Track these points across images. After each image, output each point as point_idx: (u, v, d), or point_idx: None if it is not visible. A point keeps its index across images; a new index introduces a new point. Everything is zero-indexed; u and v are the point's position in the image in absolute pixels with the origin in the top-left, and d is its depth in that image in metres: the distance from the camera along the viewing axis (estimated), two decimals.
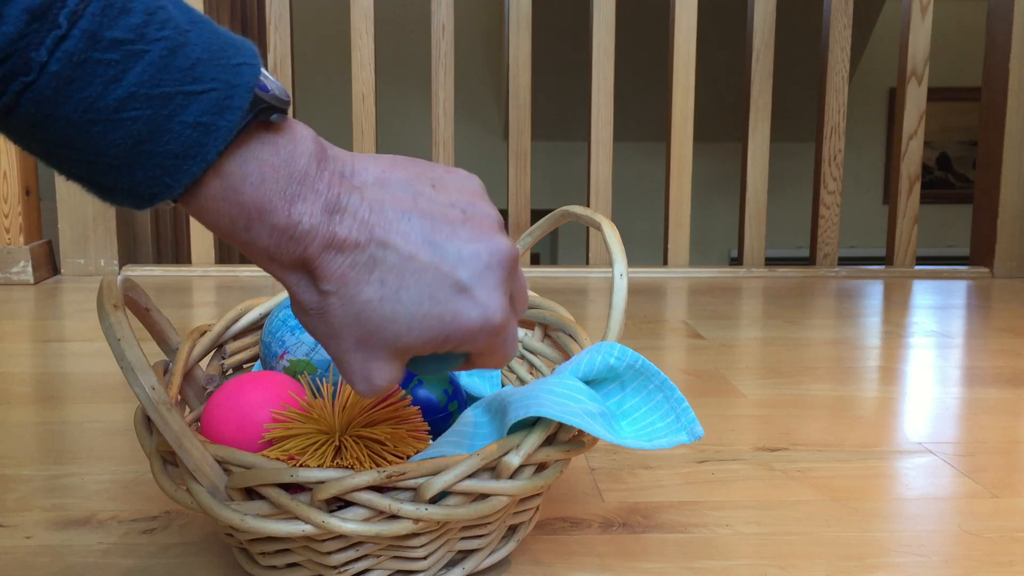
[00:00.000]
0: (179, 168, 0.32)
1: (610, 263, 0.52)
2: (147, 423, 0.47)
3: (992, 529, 0.58)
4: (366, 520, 0.42)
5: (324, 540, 0.44)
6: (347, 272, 0.35)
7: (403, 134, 4.50)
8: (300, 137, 0.36)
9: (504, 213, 1.90)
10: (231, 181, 0.34)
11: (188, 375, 0.56)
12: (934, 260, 4.13)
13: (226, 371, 0.62)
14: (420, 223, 0.37)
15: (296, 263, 0.36)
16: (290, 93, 1.80)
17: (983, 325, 1.31)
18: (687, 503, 0.62)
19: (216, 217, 0.34)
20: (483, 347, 0.39)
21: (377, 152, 1.82)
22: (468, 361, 0.42)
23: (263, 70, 0.35)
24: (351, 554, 0.45)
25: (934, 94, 1.96)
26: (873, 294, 1.59)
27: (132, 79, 0.30)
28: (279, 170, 0.34)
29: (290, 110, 0.37)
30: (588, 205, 1.83)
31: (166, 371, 0.54)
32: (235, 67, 0.33)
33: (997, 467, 0.69)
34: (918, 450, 0.73)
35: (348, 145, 1.94)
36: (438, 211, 0.37)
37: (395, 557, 0.46)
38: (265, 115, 0.34)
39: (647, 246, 4.47)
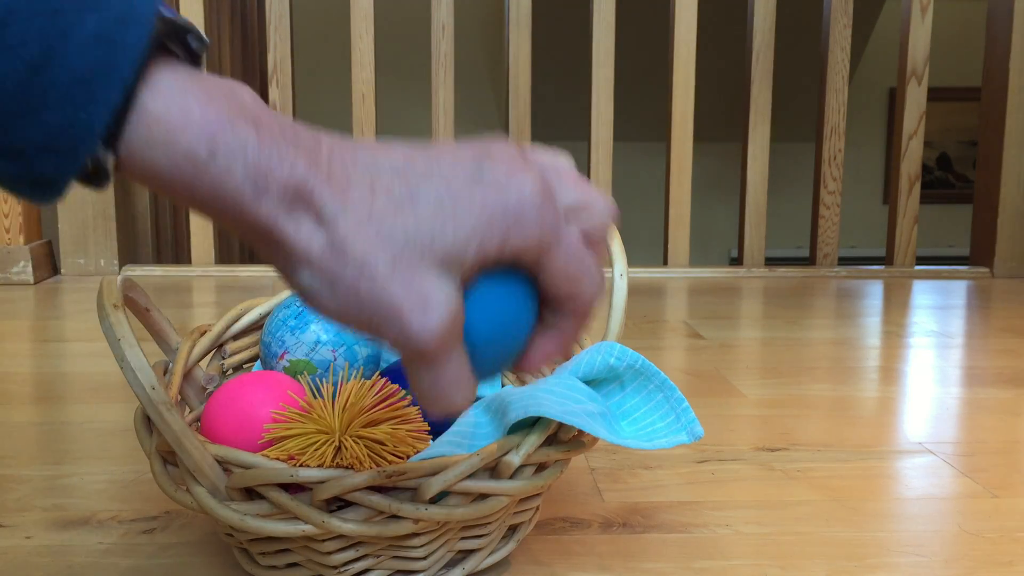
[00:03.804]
0: (92, 96, 0.26)
1: (610, 263, 0.52)
2: (147, 423, 0.47)
3: (992, 529, 0.58)
4: (366, 520, 0.42)
5: (324, 540, 0.44)
6: (347, 190, 0.29)
7: (403, 134, 4.50)
8: (236, 82, 0.30)
9: None
10: (171, 96, 0.27)
11: (188, 375, 0.56)
12: (934, 260, 4.13)
13: (226, 371, 0.62)
14: (404, 148, 0.31)
15: (288, 191, 0.28)
16: (290, 93, 1.80)
17: (983, 325, 1.31)
18: (687, 503, 0.62)
19: (169, 154, 0.27)
20: (541, 237, 0.30)
21: None
22: (546, 285, 0.32)
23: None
24: (351, 554, 0.45)
25: (934, 94, 1.95)
26: (873, 294, 1.59)
27: None
28: (224, 94, 0.28)
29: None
30: None
31: (166, 371, 0.54)
32: None
33: (997, 467, 0.69)
34: (918, 450, 0.73)
35: None
36: (424, 150, 0.31)
37: (395, 557, 0.46)
38: (181, 38, 0.29)
39: (647, 246, 4.47)
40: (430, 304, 0.29)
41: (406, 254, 0.29)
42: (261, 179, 0.28)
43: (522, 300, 0.31)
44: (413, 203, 0.29)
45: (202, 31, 0.30)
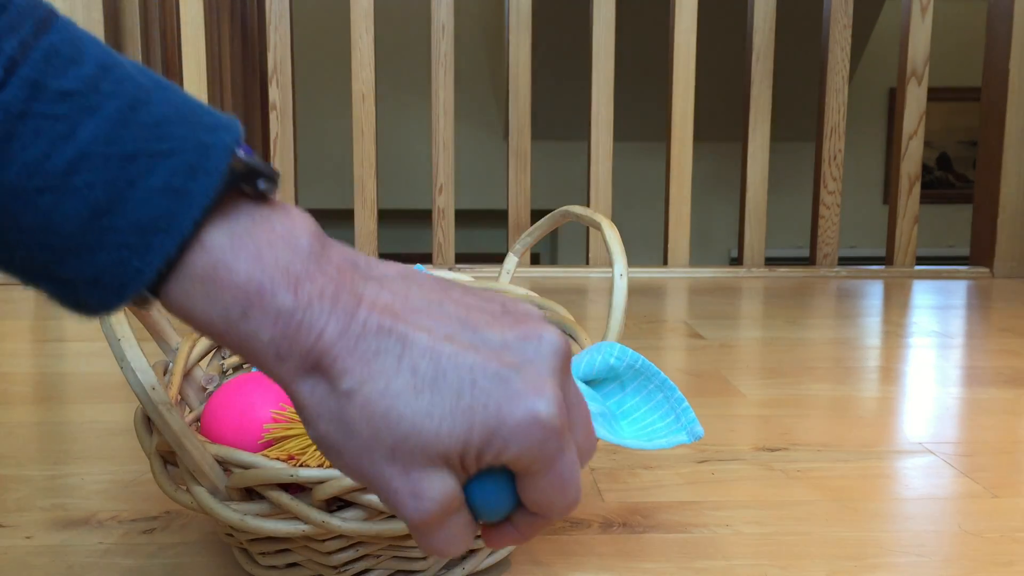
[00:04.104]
0: (148, 245, 0.26)
1: (610, 263, 0.52)
2: (147, 423, 0.47)
3: (992, 529, 0.58)
4: (366, 520, 0.42)
5: (324, 540, 0.44)
6: (371, 360, 0.28)
7: (403, 134, 4.50)
8: (298, 214, 0.30)
9: (504, 213, 1.89)
10: (220, 255, 0.27)
11: (188, 375, 0.56)
12: (934, 260, 4.13)
13: (226, 371, 0.62)
14: (455, 309, 0.30)
15: (308, 360, 0.28)
16: (290, 93, 1.80)
17: (983, 325, 1.31)
18: (687, 503, 0.62)
19: (206, 306, 0.28)
20: (534, 458, 0.30)
21: (377, 153, 1.82)
22: (523, 492, 0.32)
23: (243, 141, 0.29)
24: (351, 554, 0.45)
25: (934, 94, 1.95)
26: (873, 294, 1.59)
27: (85, 136, 0.25)
28: (277, 246, 0.28)
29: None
30: (588, 205, 1.83)
31: (166, 371, 0.54)
32: (209, 127, 0.28)
33: (997, 467, 0.69)
34: (918, 450, 0.73)
35: (348, 145, 1.94)
36: (473, 303, 0.31)
37: (395, 557, 0.46)
38: (250, 183, 0.28)
39: (647, 246, 4.47)
40: (422, 495, 0.29)
41: (408, 445, 0.29)
42: (284, 348, 0.28)
43: (505, 490, 0.32)
44: (433, 389, 0.29)
45: (273, 167, 0.30)
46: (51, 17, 0.26)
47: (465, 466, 0.30)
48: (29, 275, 0.28)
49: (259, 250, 0.28)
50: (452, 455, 0.29)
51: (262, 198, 0.29)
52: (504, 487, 0.31)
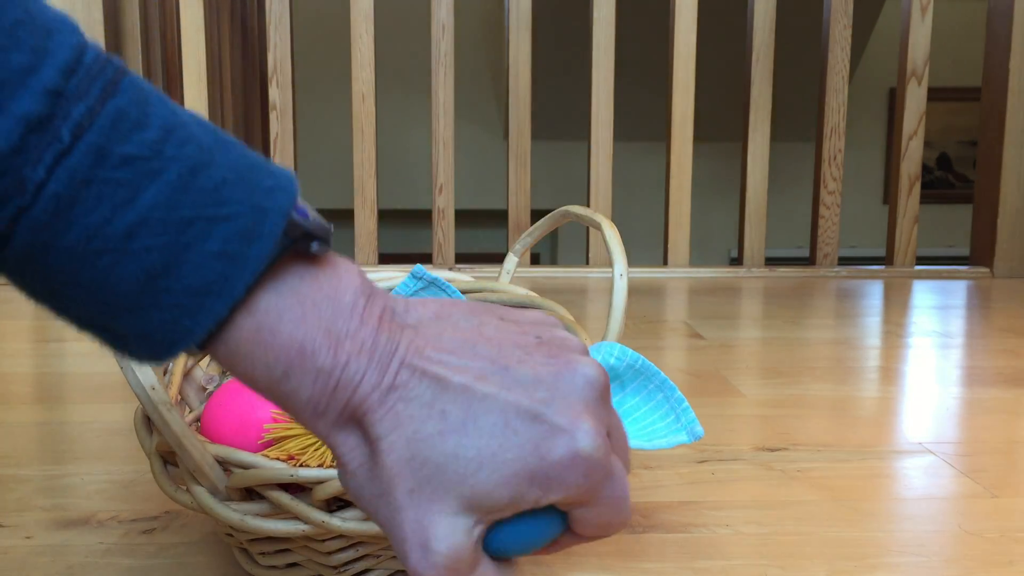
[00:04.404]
0: (200, 307, 0.27)
1: (610, 263, 0.52)
2: (147, 423, 0.47)
3: (992, 529, 0.58)
4: (366, 520, 0.42)
5: (324, 540, 0.44)
6: (401, 410, 0.29)
7: (403, 134, 4.50)
8: (344, 270, 0.30)
9: (504, 213, 1.89)
10: (266, 319, 0.28)
11: (188, 375, 0.56)
12: (934, 260, 4.12)
13: (226, 371, 0.62)
14: (487, 349, 0.30)
15: (344, 414, 0.29)
16: (290, 93, 1.80)
17: (983, 325, 1.31)
18: (687, 503, 0.62)
19: (249, 364, 0.29)
20: (582, 493, 0.30)
21: (377, 153, 1.82)
22: (570, 528, 0.32)
23: (300, 199, 0.30)
24: (351, 554, 0.45)
25: (934, 94, 1.95)
26: (873, 294, 1.59)
27: (146, 201, 0.26)
28: (322, 306, 0.29)
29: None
30: (588, 205, 1.83)
31: (166, 371, 0.54)
32: (266, 190, 0.28)
33: (997, 467, 0.69)
34: (918, 450, 0.73)
35: (348, 145, 1.94)
36: (507, 338, 0.31)
37: (395, 557, 0.46)
38: (304, 244, 0.29)
39: (647, 246, 4.47)
40: (431, 546, 0.29)
41: (429, 487, 0.29)
42: (322, 404, 0.29)
43: (548, 526, 0.31)
44: (462, 432, 0.29)
45: (329, 228, 0.30)
46: (119, 77, 0.26)
47: (496, 512, 0.29)
48: (83, 325, 0.28)
49: (304, 312, 0.29)
50: (479, 501, 0.29)
51: (312, 258, 0.30)
52: (544, 523, 0.31)
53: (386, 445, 0.29)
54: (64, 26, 0.26)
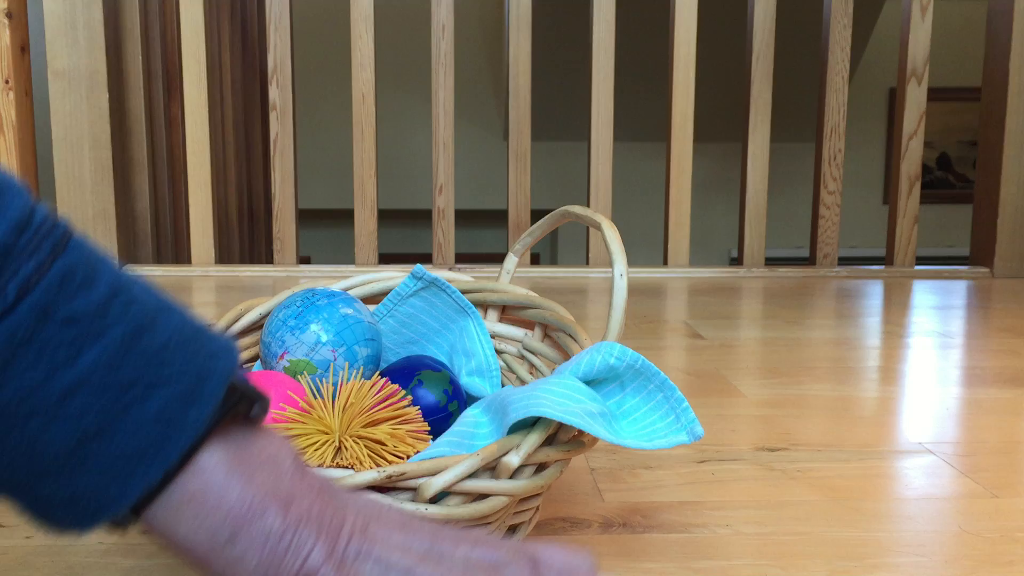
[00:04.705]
0: (131, 473, 0.26)
1: (610, 263, 0.52)
2: None
3: (992, 529, 0.58)
4: None
5: None
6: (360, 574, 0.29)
7: (403, 134, 4.50)
8: (278, 437, 0.30)
9: (504, 213, 1.90)
10: (212, 479, 0.27)
11: None
12: (934, 260, 4.12)
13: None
14: (424, 530, 0.31)
15: None
16: (290, 93, 1.80)
17: (983, 325, 1.31)
18: (687, 503, 0.62)
19: (191, 529, 0.27)
20: None
21: (377, 153, 1.82)
22: None
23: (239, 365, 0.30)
24: None
25: (934, 94, 1.96)
26: (873, 294, 1.59)
27: (87, 362, 0.25)
28: (266, 468, 0.29)
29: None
30: (588, 205, 1.83)
31: None
32: (208, 354, 0.28)
33: (997, 467, 0.69)
34: (918, 450, 0.73)
35: (348, 145, 1.94)
36: (445, 530, 0.32)
37: None
38: (243, 408, 0.29)
39: (647, 246, 4.47)
40: None
41: None
42: (272, 571, 0.28)
43: None
44: None
45: (267, 396, 0.30)
46: (68, 237, 0.26)
47: None
48: (5, 490, 0.27)
49: (251, 472, 0.28)
50: None
51: (251, 421, 0.30)
52: None
53: None
54: (14, 186, 0.26)
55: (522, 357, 0.66)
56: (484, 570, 0.30)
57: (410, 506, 0.42)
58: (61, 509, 0.27)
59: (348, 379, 0.55)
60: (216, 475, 0.27)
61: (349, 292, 0.65)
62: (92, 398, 0.25)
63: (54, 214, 0.26)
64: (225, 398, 0.28)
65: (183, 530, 0.27)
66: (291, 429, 0.47)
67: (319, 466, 0.45)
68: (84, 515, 0.27)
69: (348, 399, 0.48)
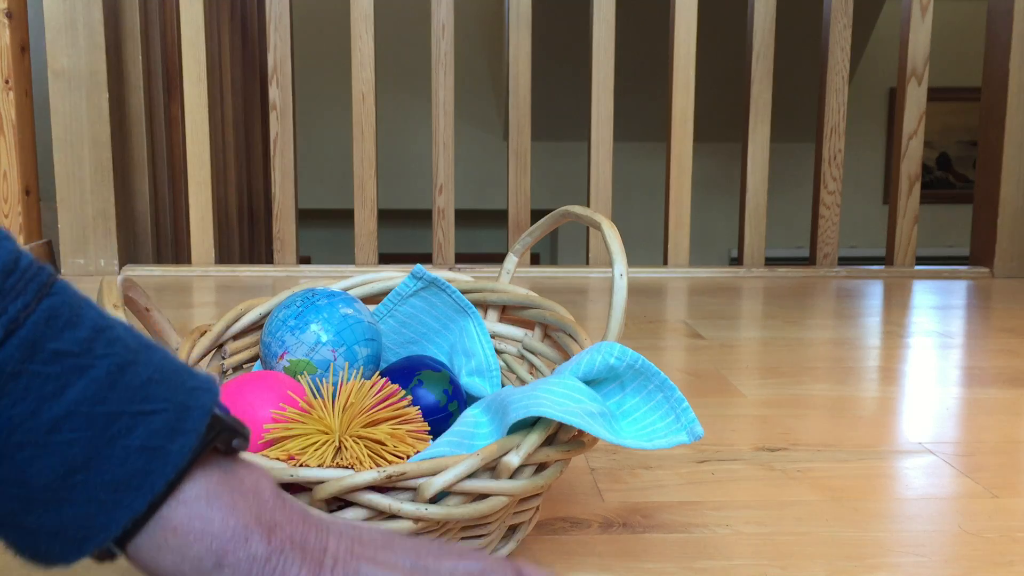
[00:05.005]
0: (118, 503, 0.27)
1: (610, 263, 0.52)
2: None
3: (992, 529, 0.58)
4: (366, 520, 0.42)
5: None
6: None
7: (403, 134, 4.50)
8: (259, 467, 0.32)
9: (504, 213, 1.90)
10: (196, 507, 0.28)
11: None
12: (934, 260, 4.12)
13: (226, 371, 0.62)
14: (406, 546, 0.32)
15: None
16: (290, 93, 1.80)
17: (983, 325, 1.31)
18: (687, 503, 0.62)
19: (177, 558, 0.28)
20: None
21: (377, 153, 1.82)
22: None
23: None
24: None
25: (934, 94, 1.95)
26: (873, 294, 1.59)
27: (73, 395, 0.26)
28: (248, 496, 0.29)
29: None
30: (588, 205, 1.83)
31: None
32: (190, 389, 0.29)
33: (997, 467, 0.69)
34: (918, 450, 0.73)
35: (348, 145, 1.94)
36: (427, 545, 0.33)
37: None
38: (225, 440, 0.30)
39: (647, 246, 4.47)
40: None
41: None
42: None
43: None
44: None
45: (247, 429, 0.31)
46: (52, 280, 0.28)
47: None
48: None
49: (234, 501, 0.29)
50: None
51: (232, 452, 0.31)
52: None
53: None
54: (0, 233, 0.27)
55: (522, 357, 0.66)
56: None
57: (410, 506, 0.42)
58: (48, 540, 0.27)
59: (348, 379, 0.55)
60: (199, 504, 0.28)
61: (349, 292, 0.65)
62: (79, 430, 0.26)
63: (39, 261, 0.28)
64: (207, 430, 0.29)
65: (167, 560, 0.28)
66: (291, 429, 0.47)
67: (319, 466, 0.45)
68: (71, 546, 0.27)
69: (348, 399, 0.48)
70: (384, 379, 0.52)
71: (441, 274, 0.65)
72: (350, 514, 0.42)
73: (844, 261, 1.90)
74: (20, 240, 1.57)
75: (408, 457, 0.48)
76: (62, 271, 1.66)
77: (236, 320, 0.62)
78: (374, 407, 0.48)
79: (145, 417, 0.27)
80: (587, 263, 1.85)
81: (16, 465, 0.26)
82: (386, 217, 4.27)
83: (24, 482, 0.26)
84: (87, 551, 0.27)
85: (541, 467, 0.46)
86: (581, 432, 0.47)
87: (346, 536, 0.31)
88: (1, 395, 0.25)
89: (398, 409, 0.49)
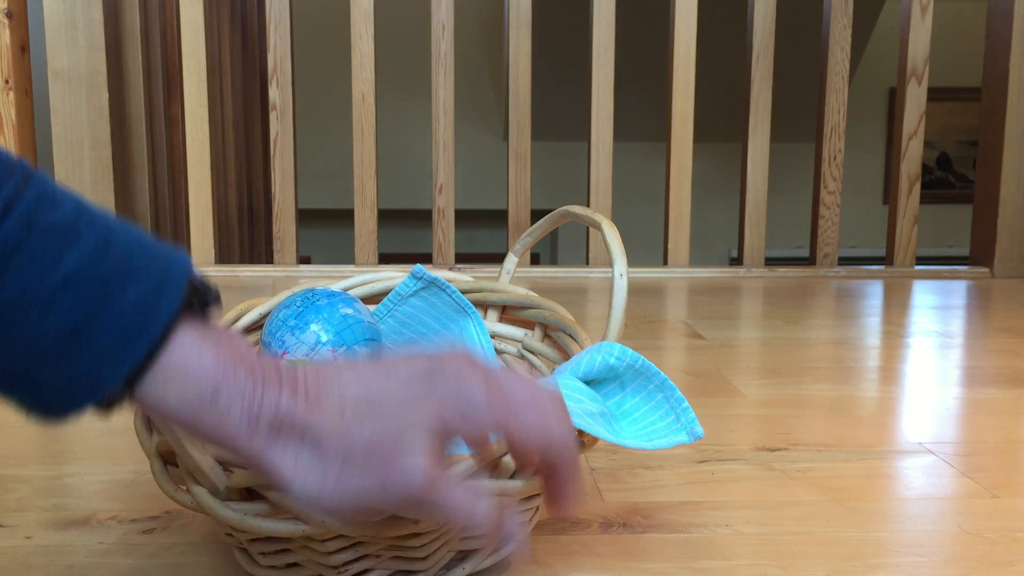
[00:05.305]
0: (121, 353, 0.31)
1: (610, 263, 0.52)
2: (147, 423, 0.47)
3: (992, 529, 0.58)
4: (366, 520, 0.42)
5: (324, 540, 0.44)
6: (320, 407, 0.34)
7: (403, 134, 4.50)
8: (234, 331, 0.36)
9: (504, 213, 1.90)
10: (189, 350, 0.32)
11: None
12: (934, 260, 4.12)
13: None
14: (366, 363, 0.37)
15: (275, 423, 0.34)
16: (290, 93, 1.80)
17: (983, 325, 1.31)
18: (687, 503, 0.62)
19: (180, 393, 0.32)
20: (500, 416, 0.37)
21: (377, 153, 1.82)
22: (515, 455, 0.40)
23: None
24: (351, 554, 0.45)
25: (934, 94, 1.96)
26: (873, 294, 1.59)
27: (69, 263, 0.30)
28: (232, 341, 0.34)
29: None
30: (588, 205, 1.83)
31: None
32: (167, 255, 0.33)
33: (997, 467, 0.69)
34: (918, 450, 0.73)
35: (348, 145, 1.94)
36: (382, 362, 0.37)
37: (395, 557, 0.46)
38: (202, 298, 0.34)
39: (647, 246, 4.47)
40: (405, 471, 0.34)
41: (377, 445, 0.34)
42: (254, 417, 0.33)
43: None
44: (374, 410, 0.35)
45: (218, 289, 0.36)
46: (32, 170, 0.31)
47: (436, 441, 0.36)
48: (6, 381, 0.31)
49: (219, 342, 0.33)
50: (415, 439, 0.35)
51: (206, 314, 0.35)
52: None
53: (327, 431, 0.34)
54: None
55: (522, 357, 0.66)
56: (425, 374, 0.36)
57: None
58: (61, 392, 0.31)
59: None
60: (191, 348, 0.33)
61: (349, 292, 0.65)
62: (79, 292, 0.30)
63: (14, 155, 0.31)
64: (187, 289, 0.33)
65: (172, 397, 0.32)
66: None
67: None
68: (83, 394, 0.31)
69: None
70: None
71: (441, 274, 0.65)
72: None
73: (844, 261, 1.90)
74: None
75: None
76: None
77: (236, 320, 0.62)
78: None
79: (133, 280, 0.31)
80: (587, 263, 1.85)
81: (27, 328, 0.29)
82: (386, 217, 4.27)
83: (36, 342, 0.30)
84: (99, 396, 0.31)
85: None
86: (581, 432, 0.47)
87: (312, 367, 0.36)
88: (7, 266, 0.29)
89: None
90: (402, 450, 0.34)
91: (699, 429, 0.49)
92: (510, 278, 0.67)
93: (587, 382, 0.49)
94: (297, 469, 0.34)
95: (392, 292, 0.65)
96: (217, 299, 0.35)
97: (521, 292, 0.65)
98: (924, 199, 4.32)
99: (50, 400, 0.31)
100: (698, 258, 4.70)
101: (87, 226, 0.31)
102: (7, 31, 1.59)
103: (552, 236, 4.88)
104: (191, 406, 0.32)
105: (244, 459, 0.34)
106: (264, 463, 0.34)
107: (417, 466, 0.34)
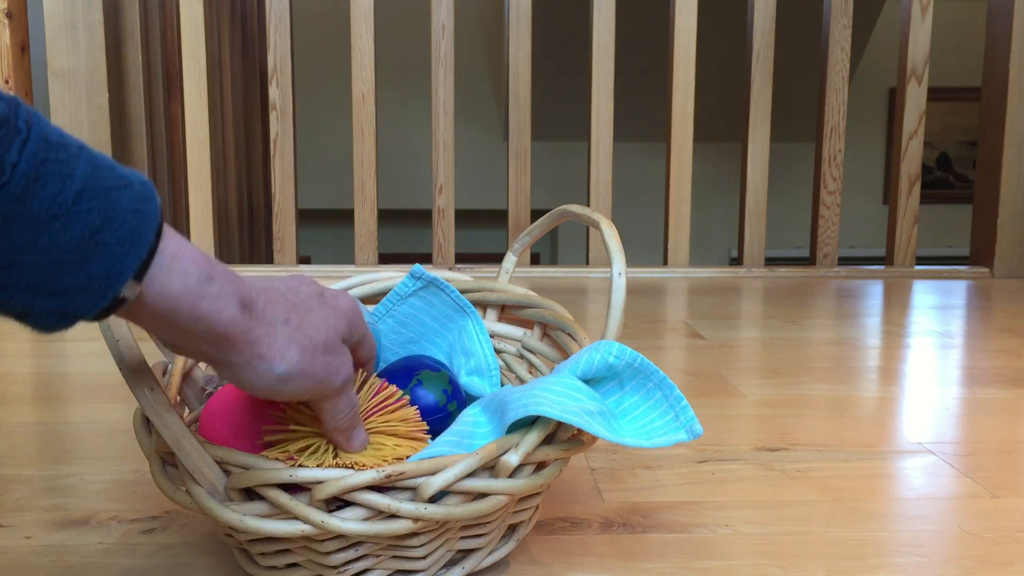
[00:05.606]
0: (128, 252, 0.35)
1: (609, 263, 0.52)
2: (146, 424, 0.47)
3: (992, 529, 0.58)
4: (365, 520, 0.42)
5: (323, 540, 0.44)
6: (273, 301, 0.41)
7: (403, 134, 4.50)
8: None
9: (504, 213, 1.89)
10: (178, 245, 0.37)
11: (187, 376, 0.56)
12: (934, 260, 4.12)
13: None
14: (290, 283, 0.45)
15: (256, 306, 0.40)
16: (290, 93, 1.80)
17: (983, 325, 1.31)
18: (687, 503, 0.62)
19: (182, 278, 0.37)
20: (364, 328, 0.48)
21: (377, 153, 1.82)
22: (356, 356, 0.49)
23: None
24: (351, 554, 0.45)
25: (934, 94, 1.96)
26: (873, 294, 1.59)
27: (81, 175, 0.34)
28: (194, 246, 0.39)
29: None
30: (588, 205, 1.83)
31: (165, 372, 0.54)
32: (133, 171, 0.37)
33: (997, 467, 0.69)
34: (918, 450, 0.73)
35: (348, 145, 1.94)
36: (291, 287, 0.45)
37: (395, 557, 0.46)
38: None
39: (647, 246, 4.47)
40: (341, 367, 0.43)
41: (311, 348, 0.42)
42: (243, 296, 0.39)
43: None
44: (304, 322, 0.42)
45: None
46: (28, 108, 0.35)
47: (344, 346, 0.45)
48: (27, 292, 0.34)
49: (191, 245, 0.38)
50: (333, 344, 0.43)
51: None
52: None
53: (285, 333, 0.40)
54: None
55: (521, 356, 0.66)
56: (319, 295, 0.44)
57: (409, 506, 0.42)
58: (75, 296, 0.34)
59: None
60: (179, 240, 0.37)
61: (349, 292, 0.65)
62: (93, 200, 0.34)
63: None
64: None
65: (177, 283, 0.36)
66: (292, 430, 0.47)
67: (318, 466, 0.45)
68: (96, 296, 0.34)
69: None
70: (383, 380, 0.52)
71: (441, 274, 0.65)
72: (349, 514, 0.42)
73: (844, 261, 1.90)
74: None
75: (407, 457, 0.48)
76: None
77: None
78: (373, 407, 0.48)
79: (124, 189, 0.35)
80: (587, 263, 1.85)
81: (54, 235, 0.33)
82: (386, 217, 4.27)
83: (61, 247, 0.33)
84: (111, 296, 0.35)
85: (540, 466, 0.46)
86: (580, 431, 0.47)
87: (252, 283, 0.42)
88: (37, 178, 0.32)
89: (397, 409, 0.49)
90: (338, 350, 0.43)
91: (698, 427, 0.49)
92: (509, 277, 0.67)
93: (586, 381, 0.49)
94: (276, 348, 0.40)
95: (391, 292, 0.65)
96: (162, 205, 0.39)
97: (520, 291, 0.65)
98: (924, 199, 4.32)
99: (64, 308, 0.34)
100: (698, 258, 4.70)
101: (78, 146, 0.35)
102: (7, 31, 1.59)
103: (552, 236, 4.88)
104: (193, 289, 0.37)
105: (233, 342, 0.39)
106: (252, 341, 0.39)
107: (348, 364, 0.44)
